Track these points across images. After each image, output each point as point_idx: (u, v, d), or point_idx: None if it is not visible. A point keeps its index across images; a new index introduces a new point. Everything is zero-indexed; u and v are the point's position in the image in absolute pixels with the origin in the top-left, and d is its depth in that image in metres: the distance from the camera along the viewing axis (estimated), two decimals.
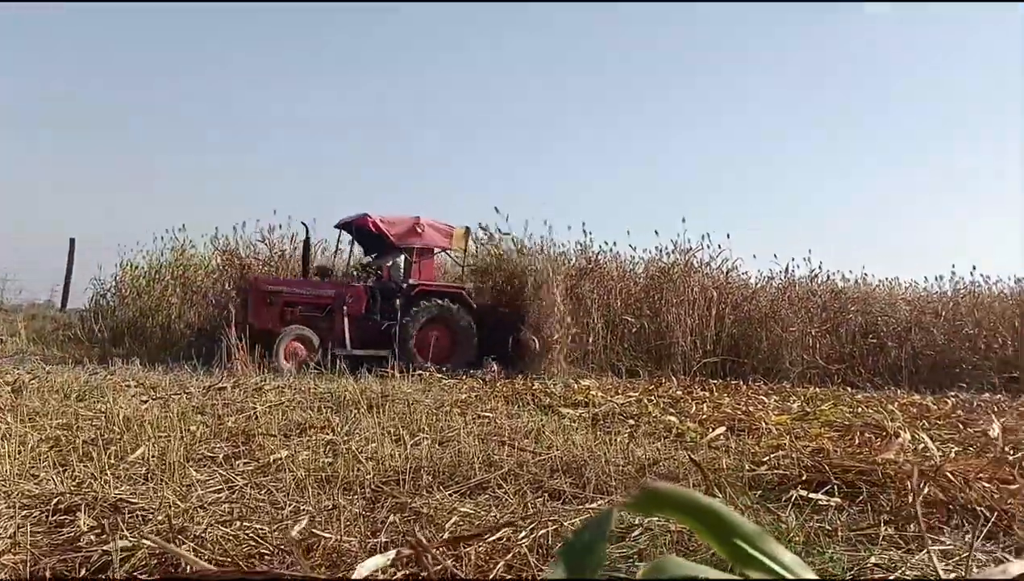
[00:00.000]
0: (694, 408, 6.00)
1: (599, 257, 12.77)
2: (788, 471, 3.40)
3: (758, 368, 12.06)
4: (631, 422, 5.22)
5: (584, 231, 13.07)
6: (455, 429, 4.43)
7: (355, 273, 11.90)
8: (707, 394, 7.25)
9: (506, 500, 2.94)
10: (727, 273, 13.20)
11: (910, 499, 2.76)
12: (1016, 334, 13.69)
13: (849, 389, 9.49)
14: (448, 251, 12.07)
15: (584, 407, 5.91)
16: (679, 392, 7.34)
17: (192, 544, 2.17)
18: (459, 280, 12.33)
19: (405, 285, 10.94)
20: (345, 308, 10.48)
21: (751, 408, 5.97)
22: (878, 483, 3.03)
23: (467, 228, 12.03)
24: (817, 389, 8.51)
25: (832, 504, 2.81)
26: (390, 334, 10.60)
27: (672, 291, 12.41)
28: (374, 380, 7.36)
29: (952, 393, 9.85)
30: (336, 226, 12.01)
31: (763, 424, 4.91)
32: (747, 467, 3.49)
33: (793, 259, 14.12)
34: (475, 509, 2.81)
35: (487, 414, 5.36)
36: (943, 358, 13.04)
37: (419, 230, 11.33)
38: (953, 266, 15.48)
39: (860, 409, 6.08)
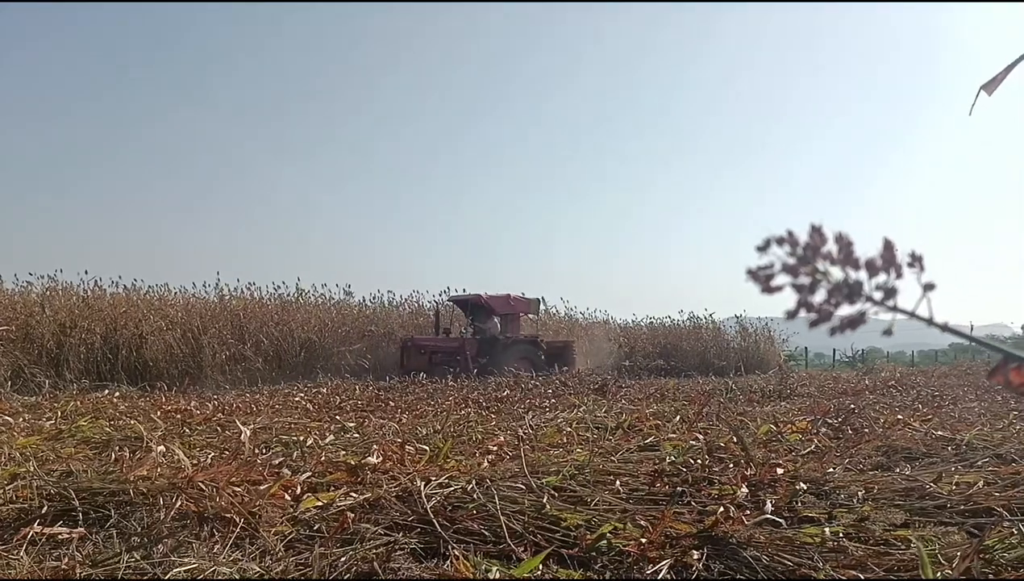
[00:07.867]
0: None
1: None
2: (29, 503, 2.95)
3: None
4: None
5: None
6: None
7: (466, 331, 17.33)
8: None
9: None
10: None
11: (161, 516, 2.65)
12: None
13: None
14: (529, 315, 18.43)
15: None
16: None
17: None
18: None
19: (502, 337, 16.67)
20: (468, 354, 15.56)
21: None
22: (130, 503, 2.84)
23: (539, 299, 18.51)
24: (79, 403, 7.82)
25: (74, 536, 2.51)
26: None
27: None
28: None
29: (214, 396, 10.24)
30: (451, 300, 18.57)
31: (5, 450, 4.22)
32: None
33: None
34: None
35: None
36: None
37: (512, 302, 17.31)
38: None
39: (123, 421, 5.76)
